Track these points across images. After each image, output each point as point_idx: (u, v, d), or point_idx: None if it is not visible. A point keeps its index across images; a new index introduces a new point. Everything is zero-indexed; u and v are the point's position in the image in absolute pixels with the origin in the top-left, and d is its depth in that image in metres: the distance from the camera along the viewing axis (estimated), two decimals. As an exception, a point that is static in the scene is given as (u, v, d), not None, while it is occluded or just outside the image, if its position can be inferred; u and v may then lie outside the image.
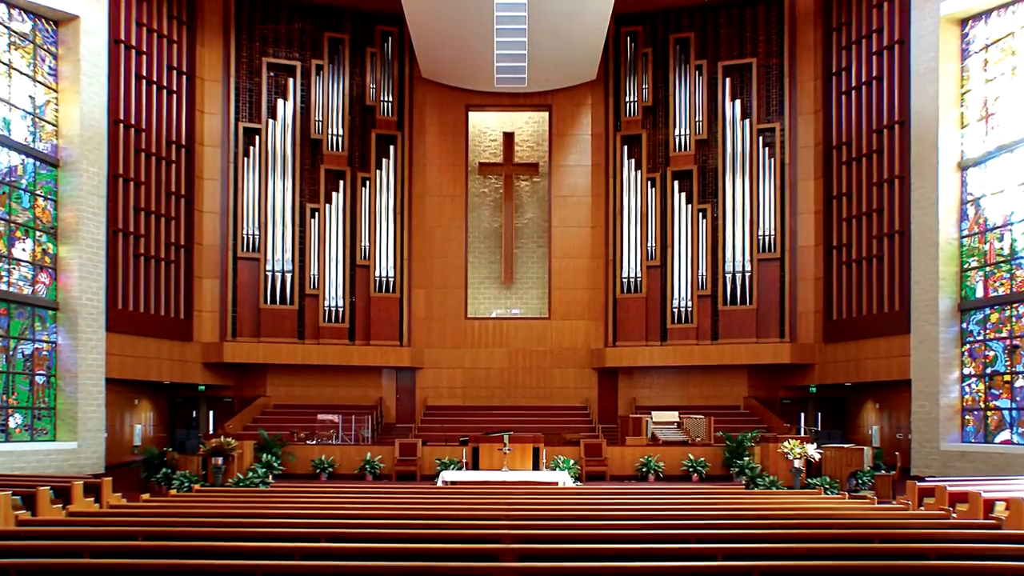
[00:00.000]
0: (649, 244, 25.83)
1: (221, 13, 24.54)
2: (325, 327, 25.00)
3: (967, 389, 19.75)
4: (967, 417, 19.73)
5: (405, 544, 7.77)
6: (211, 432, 20.46)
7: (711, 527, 8.92)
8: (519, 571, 6.74)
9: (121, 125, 21.18)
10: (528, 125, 27.50)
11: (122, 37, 21.17)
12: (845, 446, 18.84)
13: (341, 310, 25.19)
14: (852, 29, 23.17)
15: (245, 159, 24.60)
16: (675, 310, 25.41)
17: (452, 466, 19.16)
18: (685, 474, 20.25)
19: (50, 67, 19.70)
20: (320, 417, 22.76)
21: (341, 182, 25.47)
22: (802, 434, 20.48)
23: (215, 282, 24.39)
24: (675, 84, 25.80)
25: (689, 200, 25.50)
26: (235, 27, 24.68)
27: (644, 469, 20.19)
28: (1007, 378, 18.85)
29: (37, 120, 19.35)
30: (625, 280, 26.00)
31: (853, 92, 23.07)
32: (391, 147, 26.07)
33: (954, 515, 10.75)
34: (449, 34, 23.13)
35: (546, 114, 27.23)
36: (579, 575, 6.77)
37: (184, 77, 23.55)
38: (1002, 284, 19.06)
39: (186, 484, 17.07)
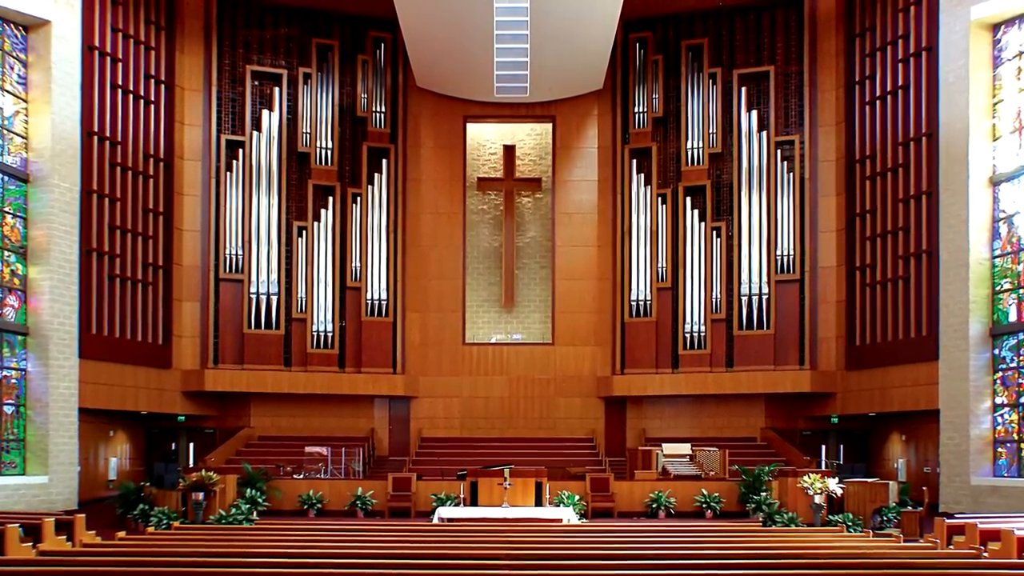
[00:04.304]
0: (659, 265, 25.98)
1: (202, 18, 24.74)
2: (313, 353, 25.11)
3: (999, 420, 19.80)
4: (999, 450, 19.78)
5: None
6: (191, 465, 20.48)
7: (726, 567, 9.03)
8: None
9: (95, 137, 21.31)
10: (530, 138, 27.72)
11: (96, 43, 21.34)
12: (869, 480, 18.91)
13: (330, 335, 25.31)
14: (876, 35, 23.32)
15: (228, 174, 24.80)
16: (687, 335, 25.49)
17: (449, 502, 19.21)
18: (698, 510, 20.30)
19: (19, 75, 19.89)
20: (308, 449, 22.79)
21: (330, 198, 25.67)
22: (823, 468, 20.54)
23: (195, 305, 24.49)
24: (687, 94, 26.02)
25: (702, 218, 25.67)
26: (217, 33, 24.88)
27: (654, 505, 20.24)
28: (1043, 408, 18.96)
29: (5, 132, 19.51)
30: (634, 303, 26.12)
31: (877, 102, 23.20)
32: (384, 161, 26.27)
33: (985, 554, 10.85)
34: (446, 40, 23.34)
35: (549, 126, 27.42)
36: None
37: (162, 86, 23.74)
38: (1037, 307, 19.20)
39: (165, 521, 17.13)
